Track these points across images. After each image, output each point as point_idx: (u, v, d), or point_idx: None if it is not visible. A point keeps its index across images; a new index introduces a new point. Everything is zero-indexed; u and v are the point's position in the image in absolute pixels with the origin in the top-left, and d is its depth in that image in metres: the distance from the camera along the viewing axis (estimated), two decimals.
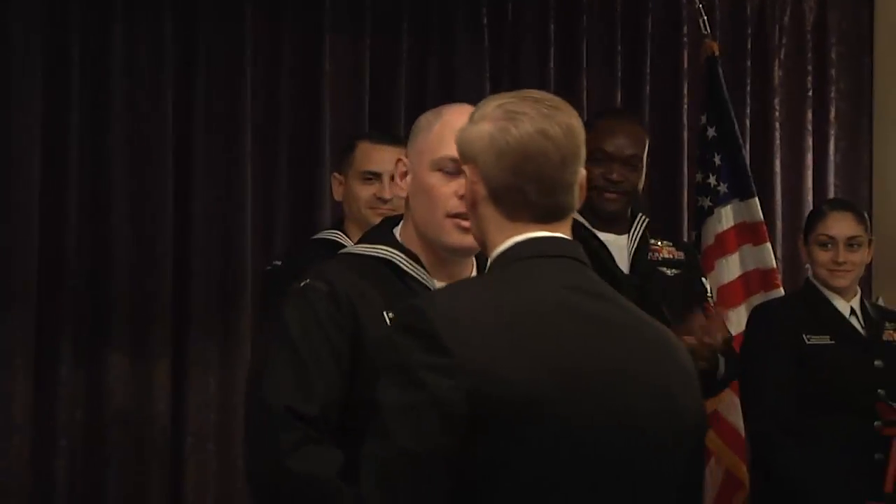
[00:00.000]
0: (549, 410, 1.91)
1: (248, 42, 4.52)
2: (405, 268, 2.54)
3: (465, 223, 2.41)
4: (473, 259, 2.62)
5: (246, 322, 4.45)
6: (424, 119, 2.59)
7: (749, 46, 5.22)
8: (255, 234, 4.51)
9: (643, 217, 3.87)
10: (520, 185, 2.07)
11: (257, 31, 4.55)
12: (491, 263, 2.10)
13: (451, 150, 2.40)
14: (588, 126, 3.88)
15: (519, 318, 1.96)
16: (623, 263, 3.77)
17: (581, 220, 3.79)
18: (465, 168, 2.11)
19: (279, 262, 3.76)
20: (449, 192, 2.48)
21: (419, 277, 2.53)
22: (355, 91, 4.68)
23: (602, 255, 3.75)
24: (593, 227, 3.78)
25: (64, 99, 4.30)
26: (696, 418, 2.11)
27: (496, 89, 4.81)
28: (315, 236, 3.80)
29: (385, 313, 2.44)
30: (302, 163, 4.59)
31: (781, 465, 3.86)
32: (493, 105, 2.11)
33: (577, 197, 2.13)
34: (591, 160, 3.76)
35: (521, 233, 2.08)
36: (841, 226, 4.01)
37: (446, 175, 2.49)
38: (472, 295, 2.03)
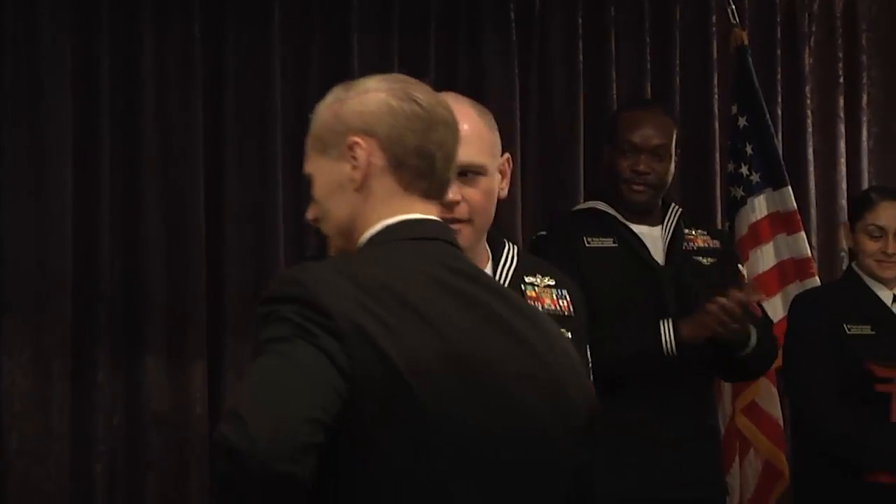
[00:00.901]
0: (431, 390, 1.83)
1: (276, 44, 4.52)
2: None
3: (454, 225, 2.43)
4: (488, 253, 2.61)
5: None
6: None
7: (779, 35, 5.18)
8: (288, 236, 4.51)
9: (676, 207, 3.86)
10: (430, 150, 1.99)
11: (286, 32, 4.55)
12: (368, 240, 1.99)
13: None
14: (614, 118, 3.94)
15: (401, 294, 1.87)
16: (658, 255, 3.76)
17: (613, 212, 3.78)
18: (359, 142, 1.99)
19: None
20: None
21: None
22: None
23: (636, 247, 3.74)
24: (626, 219, 3.78)
25: (94, 107, 4.31)
26: (585, 409, 2.02)
27: (525, 85, 4.82)
28: None
29: None
30: None
31: (836, 425, 3.81)
32: (376, 79, 2.04)
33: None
34: (617, 152, 3.80)
35: (407, 210, 1.98)
36: (891, 215, 3.96)
37: None
38: (350, 267, 1.91)
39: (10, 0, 4.23)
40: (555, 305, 2.62)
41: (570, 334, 2.56)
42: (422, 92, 2.02)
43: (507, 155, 2.62)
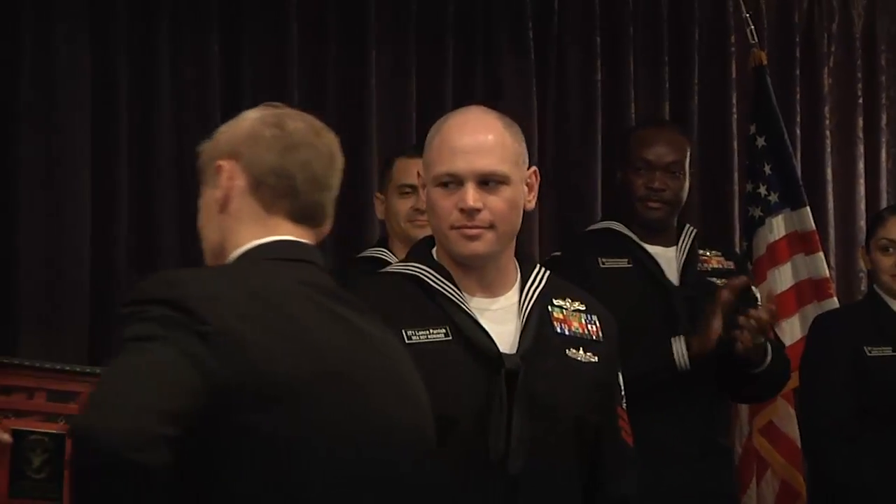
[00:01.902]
0: (300, 401, 1.88)
1: (293, 59, 4.52)
2: (432, 283, 2.56)
3: (470, 231, 2.52)
4: (518, 273, 2.63)
5: None
6: (432, 130, 2.65)
7: (797, 54, 5.18)
8: None
9: (691, 228, 3.86)
10: (289, 170, 2.05)
11: (302, 47, 4.56)
12: (234, 259, 2.06)
13: (447, 166, 2.53)
14: (627, 137, 3.94)
15: (271, 304, 1.92)
16: (673, 275, 3.76)
17: (628, 233, 3.78)
18: (222, 164, 2.08)
19: None
20: (451, 205, 2.54)
21: (447, 292, 2.55)
22: (401, 108, 4.68)
23: (651, 267, 3.74)
24: (641, 240, 3.78)
25: (112, 121, 4.31)
26: (426, 429, 2.10)
27: (542, 101, 4.82)
28: (360, 254, 3.81)
29: (404, 331, 2.46)
30: (349, 180, 4.53)
31: (838, 473, 3.82)
32: (256, 109, 2.13)
33: (331, 216, 2.12)
34: (632, 169, 3.80)
35: (272, 231, 2.04)
36: None
37: (446, 189, 2.54)
38: (222, 276, 1.99)
39: (27, 16, 4.24)
40: (583, 329, 2.65)
41: (596, 358, 2.62)
42: (295, 119, 2.10)
43: (534, 168, 2.66)
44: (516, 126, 2.64)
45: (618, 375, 2.72)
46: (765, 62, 4.77)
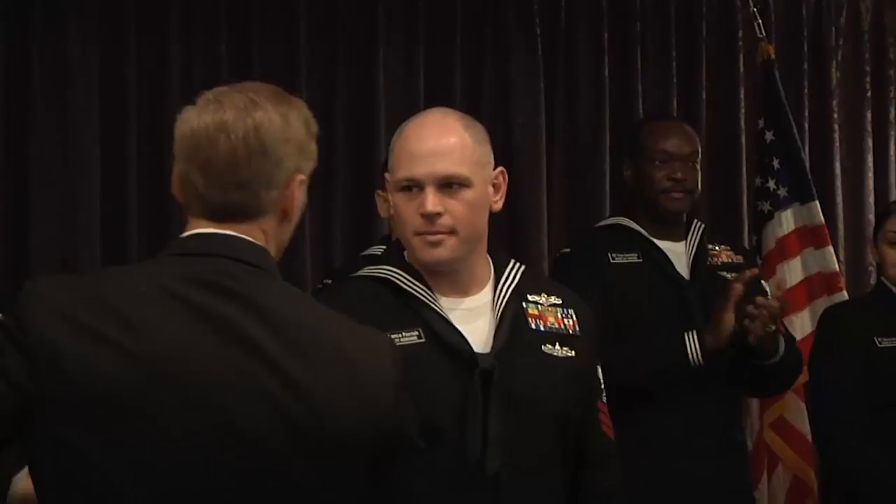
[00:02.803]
0: (123, 413, 1.82)
1: (302, 58, 4.54)
2: (402, 285, 2.54)
3: (432, 238, 2.48)
4: (491, 270, 2.61)
5: None
6: (395, 135, 2.60)
7: (805, 48, 5.18)
8: (315, 249, 4.52)
9: (699, 223, 3.85)
10: (189, 174, 1.99)
11: (312, 45, 4.57)
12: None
13: (407, 171, 2.49)
14: (640, 130, 3.93)
15: (111, 310, 1.86)
16: (683, 270, 3.75)
17: (638, 228, 3.78)
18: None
19: (329, 281, 3.77)
20: (412, 210, 2.50)
21: (418, 293, 2.53)
22: (410, 106, 4.68)
23: (661, 262, 3.74)
24: (650, 235, 3.77)
25: (121, 120, 4.33)
26: (356, 432, 1.94)
27: (551, 97, 4.82)
28: (363, 252, 3.82)
29: None
30: (359, 177, 4.60)
31: (850, 465, 3.82)
32: (213, 91, 2.04)
33: (274, 198, 2.00)
34: (649, 162, 3.78)
35: (192, 227, 2.01)
36: None
37: (409, 193, 2.51)
38: (81, 280, 1.95)
39: (38, 19, 4.26)
40: (559, 324, 2.61)
41: (573, 353, 2.59)
42: (207, 112, 1.99)
43: (500, 168, 2.62)
44: (479, 126, 2.60)
45: (597, 370, 2.68)
46: (773, 56, 4.76)
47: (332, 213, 4.57)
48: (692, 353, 3.55)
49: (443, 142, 2.51)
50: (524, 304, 2.59)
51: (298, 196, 2.03)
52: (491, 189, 2.58)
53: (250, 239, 1.99)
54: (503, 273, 2.61)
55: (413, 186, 2.50)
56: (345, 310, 2.21)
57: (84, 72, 4.30)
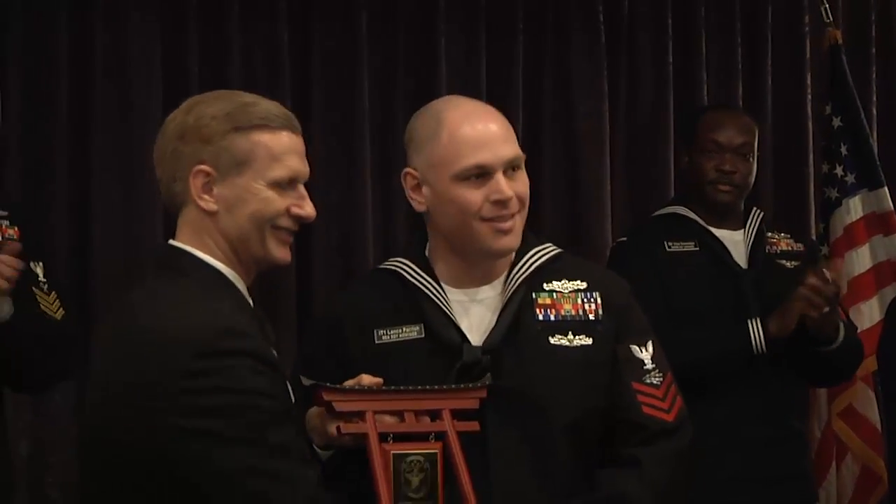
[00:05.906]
0: None
1: (363, 46, 4.54)
2: (409, 278, 2.53)
3: (505, 225, 2.46)
4: (511, 259, 2.58)
5: None
6: (423, 126, 2.56)
7: (873, 33, 5.11)
8: (376, 235, 4.52)
9: (758, 211, 3.84)
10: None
11: (372, 35, 4.56)
12: None
13: (474, 158, 2.45)
14: (695, 119, 3.91)
15: None
16: (741, 258, 3.75)
17: (694, 216, 3.77)
18: None
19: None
20: (478, 198, 2.46)
21: (421, 286, 2.52)
22: (472, 95, 4.64)
23: (718, 251, 3.73)
24: (708, 223, 3.77)
25: None
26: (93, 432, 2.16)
27: (613, 86, 4.79)
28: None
29: (375, 332, 2.48)
30: None
31: None
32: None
33: (181, 191, 2.26)
34: (701, 152, 3.78)
35: None
36: None
37: (476, 180, 2.47)
38: None
39: (100, 11, 4.29)
40: (576, 311, 2.55)
41: (591, 340, 2.53)
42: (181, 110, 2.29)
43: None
44: None
45: (629, 349, 2.55)
46: (840, 41, 4.70)
47: (394, 201, 4.55)
48: (755, 340, 3.54)
49: (501, 125, 2.51)
50: (534, 294, 2.54)
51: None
52: None
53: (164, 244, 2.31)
54: (520, 260, 2.57)
55: (480, 174, 2.46)
56: (349, 307, 2.30)
57: (146, 62, 4.32)
